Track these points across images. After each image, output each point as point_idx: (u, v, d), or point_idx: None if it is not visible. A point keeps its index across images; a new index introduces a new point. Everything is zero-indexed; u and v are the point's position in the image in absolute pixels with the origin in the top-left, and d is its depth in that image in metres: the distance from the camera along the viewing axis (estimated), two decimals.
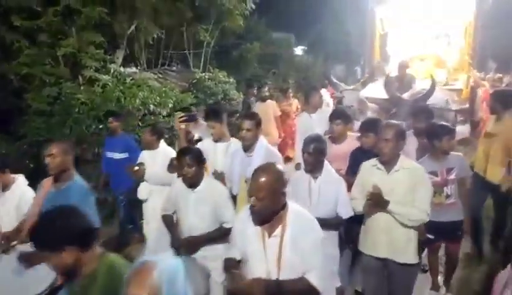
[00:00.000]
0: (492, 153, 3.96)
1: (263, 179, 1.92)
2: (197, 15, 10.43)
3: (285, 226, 1.99)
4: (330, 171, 2.94)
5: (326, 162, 2.94)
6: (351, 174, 3.33)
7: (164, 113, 7.10)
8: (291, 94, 8.28)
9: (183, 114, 3.95)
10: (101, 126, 5.96)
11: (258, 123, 3.27)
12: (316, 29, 21.21)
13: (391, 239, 2.70)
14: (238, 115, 9.62)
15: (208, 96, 9.17)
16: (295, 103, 8.16)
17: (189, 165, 2.74)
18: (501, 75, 10.11)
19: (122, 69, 7.86)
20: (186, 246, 2.77)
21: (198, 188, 2.80)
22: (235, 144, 3.49)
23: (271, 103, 6.73)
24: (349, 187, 3.09)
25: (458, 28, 7.87)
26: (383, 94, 5.54)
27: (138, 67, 9.31)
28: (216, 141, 3.53)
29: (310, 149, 2.82)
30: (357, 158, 3.40)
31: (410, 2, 8.08)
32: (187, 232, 2.81)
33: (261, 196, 1.91)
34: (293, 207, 2.06)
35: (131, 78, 7.62)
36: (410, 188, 2.64)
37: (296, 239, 1.97)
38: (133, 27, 8.62)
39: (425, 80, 7.96)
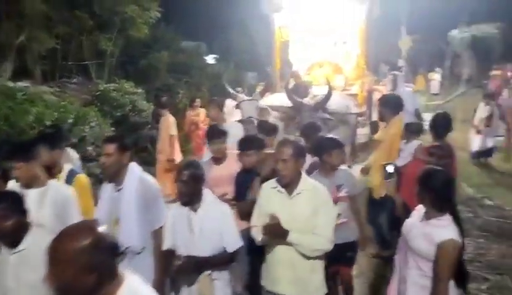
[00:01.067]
0: (376, 158, 3.93)
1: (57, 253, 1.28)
2: (99, 24, 9.88)
3: None
4: (212, 200, 2.56)
5: (206, 190, 2.57)
6: (238, 199, 3.07)
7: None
8: (198, 104, 8.23)
9: None
10: None
11: (121, 147, 2.68)
12: (226, 37, 21.55)
13: (293, 274, 2.42)
14: (149, 126, 9.38)
15: (114, 109, 8.70)
16: (202, 113, 8.10)
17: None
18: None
19: (11, 83, 7.09)
20: None
21: (20, 246, 2.10)
22: (57, 189, 2.62)
23: (168, 118, 6.52)
24: (239, 213, 2.89)
25: (353, 36, 8.34)
26: (286, 102, 5.51)
27: (32, 81, 8.48)
28: (26, 186, 2.55)
29: (184, 176, 2.42)
30: (242, 180, 3.13)
31: (306, 11, 8.20)
32: None
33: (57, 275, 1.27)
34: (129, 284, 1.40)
35: (23, 93, 6.90)
36: (313, 212, 2.41)
37: None
38: (22, 37, 7.84)
39: (324, 86, 8.49)
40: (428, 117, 10.22)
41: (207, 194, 2.56)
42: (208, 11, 20.23)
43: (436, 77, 19.21)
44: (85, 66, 10.37)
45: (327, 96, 5.32)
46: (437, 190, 2.24)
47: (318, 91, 7.30)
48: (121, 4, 9.53)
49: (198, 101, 8.37)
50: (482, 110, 7.71)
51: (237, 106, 5.60)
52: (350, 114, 6.23)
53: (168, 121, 6.55)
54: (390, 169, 3.63)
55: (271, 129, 4.17)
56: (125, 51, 11.02)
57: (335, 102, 5.70)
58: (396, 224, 3.92)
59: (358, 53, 8.27)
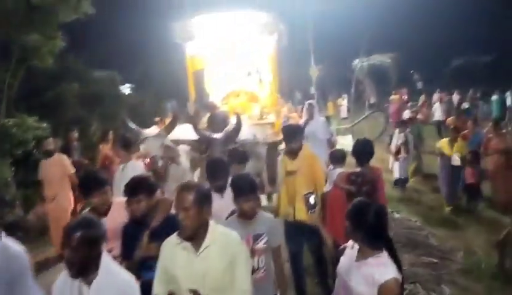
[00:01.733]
0: (297, 189, 3.77)
1: None
2: None
3: None
4: (112, 269, 2.04)
5: (105, 254, 2.05)
6: (125, 256, 2.61)
7: None
8: (111, 137, 7.74)
9: None
10: None
11: None
12: (143, 66, 21.06)
13: None
14: None
15: (15, 146, 7.85)
16: None
17: None
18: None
19: None
20: None
21: None
22: None
23: (58, 159, 5.92)
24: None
25: (265, 64, 8.41)
26: (193, 135, 5.08)
27: None
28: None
29: (73, 241, 1.88)
30: (131, 232, 2.66)
31: (217, 40, 8.04)
32: None
33: None
34: None
35: None
36: (229, 264, 2.09)
37: None
38: None
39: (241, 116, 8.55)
40: (341, 140, 10.96)
41: (106, 260, 2.02)
42: (124, 40, 19.67)
43: (343, 102, 20.91)
44: None
45: (237, 127, 5.01)
46: (370, 226, 2.09)
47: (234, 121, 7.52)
48: (20, 32, 8.77)
49: (111, 134, 7.88)
50: (397, 137, 7.97)
51: (141, 143, 4.94)
52: (261, 144, 5.91)
53: (63, 159, 5.93)
54: (312, 199, 3.69)
55: (242, 157, 4.05)
56: (27, 83, 10.10)
57: (242, 133, 5.45)
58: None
59: (270, 81, 8.35)
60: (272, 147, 7.10)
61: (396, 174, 7.92)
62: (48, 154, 5.88)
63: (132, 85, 20.67)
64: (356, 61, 18.56)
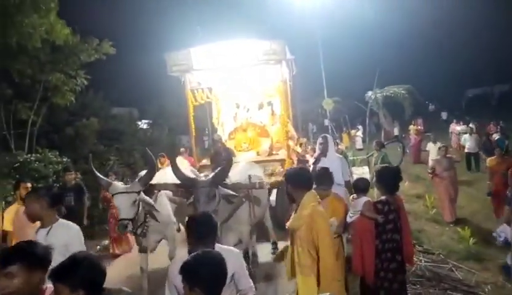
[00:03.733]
0: (300, 258, 2.93)
1: None
2: (18, 92, 9.37)
3: None
4: None
5: None
6: None
7: None
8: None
9: None
10: None
11: None
12: (158, 102, 21.64)
13: None
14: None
15: (36, 180, 8.02)
16: None
17: None
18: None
19: None
20: None
21: None
22: None
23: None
24: None
25: (275, 96, 7.79)
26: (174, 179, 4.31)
27: None
28: None
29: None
30: None
31: (216, 71, 7.33)
32: None
33: None
34: None
35: None
36: None
37: None
38: None
39: (248, 152, 7.75)
40: (357, 171, 10.76)
41: None
42: (141, 78, 20.35)
43: (358, 133, 20.86)
44: (3, 136, 9.60)
45: (226, 168, 4.20)
46: None
47: (242, 157, 6.99)
48: (44, 72, 9.19)
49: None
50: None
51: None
52: (253, 187, 4.60)
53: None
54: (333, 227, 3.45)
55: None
56: (49, 119, 10.47)
57: (238, 172, 4.79)
58: None
59: (281, 114, 7.77)
60: (282, 187, 6.31)
61: None
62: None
63: (149, 120, 21.17)
64: (370, 93, 18.67)
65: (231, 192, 4.12)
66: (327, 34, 18.88)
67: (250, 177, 4.59)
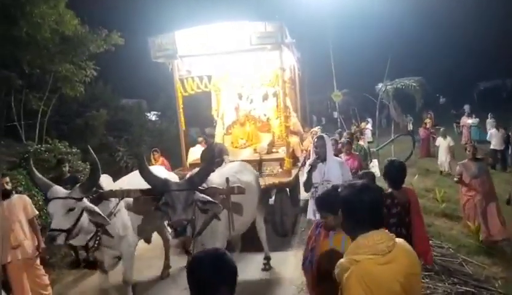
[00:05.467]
0: None
1: None
2: (28, 83, 9.44)
3: None
4: None
5: None
6: None
7: None
8: None
9: None
10: None
11: None
12: (167, 94, 21.63)
13: None
14: None
15: (46, 171, 8.09)
16: None
17: None
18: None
19: None
20: None
21: None
22: None
23: (20, 200, 4.62)
24: None
25: (276, 87, 6.82)
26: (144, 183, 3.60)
27: None
28: None
29: None
30: None
31: (205, 57, 6.57)
32: None
33: None
34: None
35: None
36: None
37: None
38: None
39: (245, 149, 6.97)
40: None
41: None
42: (149, 69, 20.33)
43: (368, 126, 20.66)
44: (14, 126, 9.71)
45: (206, 168, 3.58)
46: None
47: (238, 155, 6.36)
48: (54, 63, 9.23)
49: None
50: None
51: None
52: (240, 191, 3.76)
53: (16, 205, 4.57)
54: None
55: None
56: (58, 110, 10.55)
57: (223, 174, 4.01)
58: None
59: (279, 106, 6.98)
60: (280, 190, 5.98)
61: None
62: (5, 194, 4.48)
63: (157, 112, 21.22)
64: (380, 85, 18.45)
65: (207, 198, 3.43)
66: (336, 25, 18.66)
67: (227, 180, 3.75)
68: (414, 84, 16.44)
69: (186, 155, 7.11)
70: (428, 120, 16.34)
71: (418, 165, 12.49)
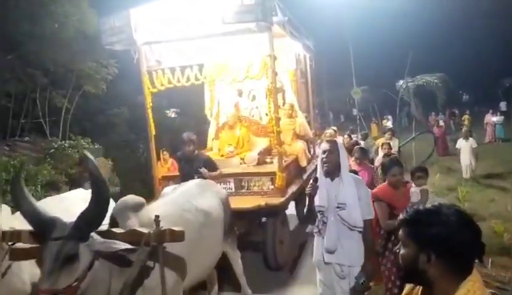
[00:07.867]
0: None
1: None
2: (53, 81, 9.71)
3: None
4: None
5: None
6: None
7: None
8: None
9: None
10: None
11: None
12: (184, 92, 21.77)
13: None
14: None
15: (70, 166, 8.33)
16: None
17: None
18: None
19: None
20: None
21: None
22: None
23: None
24: None
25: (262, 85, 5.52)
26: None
27: None
28: None
29: None
30: None
31: (175, 41, 5.09)
32: None
33: None
34: None
35: None
36: None
37: None
38: None
39: (232, 159, 5.63)
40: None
41: None
42: None
43: (388, 123, 20.35)
44: (39, 123, 10.01)
45: (97, 200, 2.19)
46: None
47: (222, 166, 5.06)
48: (77, 61, 9.46)
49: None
50: None
51: None
52: (173, 238, 2.42)
53: None
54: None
55: None
56: (81, 107, 10.80)
57: (165, 203, 3.07)
58: None
59: (288, 107, 5.97)
60: (272, 214, 4.66)
61: None
62: None
63: (176, 109, 21.42)
64: (401, 82, 18.11)
65: (123, 246, 2.16)
66: (355, 17, 18.35)
67: (156, 219, 2.36)
68: (436, 81, 16.08)
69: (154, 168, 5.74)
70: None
71: (439, 163, 12.25)
